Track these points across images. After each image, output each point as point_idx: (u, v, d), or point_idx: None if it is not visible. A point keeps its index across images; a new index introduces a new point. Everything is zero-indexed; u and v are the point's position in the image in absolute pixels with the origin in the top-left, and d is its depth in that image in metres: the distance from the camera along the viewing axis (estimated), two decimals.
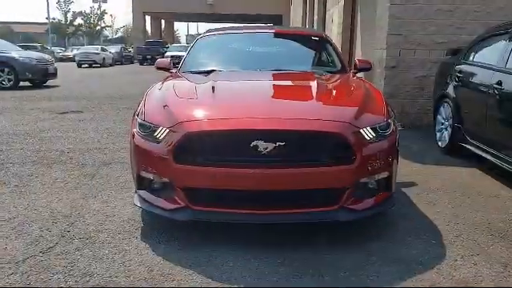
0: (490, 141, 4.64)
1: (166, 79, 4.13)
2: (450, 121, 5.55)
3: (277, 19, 40.86)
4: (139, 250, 3.03)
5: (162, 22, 51.29)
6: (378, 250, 3.03)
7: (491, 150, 4.61)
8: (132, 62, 37.14)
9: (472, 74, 5.13)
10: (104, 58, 30.87)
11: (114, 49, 36.29)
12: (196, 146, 3.00)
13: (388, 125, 3.23)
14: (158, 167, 3.12)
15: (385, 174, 3.18)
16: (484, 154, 4.75)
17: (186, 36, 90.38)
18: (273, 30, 5.50)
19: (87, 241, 3.16)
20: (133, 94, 11.91)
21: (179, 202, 3.07)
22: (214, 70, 4.29)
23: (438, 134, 5.94)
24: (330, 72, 4.39)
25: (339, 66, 4.57)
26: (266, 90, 3.81)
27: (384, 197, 3.23)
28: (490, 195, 4.17)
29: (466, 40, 7.03)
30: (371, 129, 3.11)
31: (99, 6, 63.52)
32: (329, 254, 2.95)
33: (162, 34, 49.98)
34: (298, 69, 4.43)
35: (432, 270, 2.79)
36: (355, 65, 4.65)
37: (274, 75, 4.23)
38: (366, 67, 4.70)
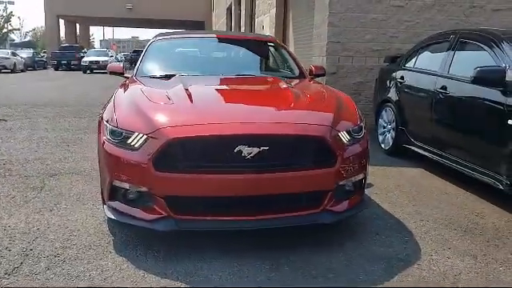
0: (434, 141, 4.95)
1: (126, 84, 3.95)
2: (393, 124, 5.85)
3: (198, 25, 40.69)
4: (117, 265, 2.85)
5: (77, 26, 48.97)
6: (358, 250, 3.10)
7: (436, 150, 4.91)
8: (45, 68, 35.04)
9: (415, 80, 5.45)
10: (15, 63, 28.76)
11: (25, 53, 33.99)
12: (178, 153, 2.89)
13: (361, 128, 3.33)
14: (135, 176, 2.96)
15: (360, 176, 3.28)
16: (429, 154, 5.06)
17: (101, 41, 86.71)
18: (227, 35, 5.47)
19: (56, 258, 2.91)
20: (57, 101, 11.29)
21: (160, 211, 2.94)
22: (173, 75, 4.17)
23: (381, 137, 6.23)
24: (291, 77, 4.44)
25: (297, 71, 4.64)
26: (242, 95, 3.77)
27: (359, 198, 3.33)
28: (441, 192, 4.44)
29: (398, 47, 7.50)
30: (346, 132, 3.19)
31: (5, 8, 59.38)
32: (315, 256, 2.98)
33: (78, 39, 47.67)
34: (257, 74, 4.45)
35: (413, 265, 2.92)
36: (311, 70, 4.74)
37: (242, 80, 4.20)
38: (321, 73, 4.82)
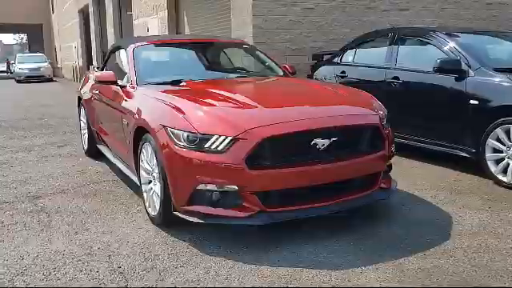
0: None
1: (156, 93, 3.86)
2: None
3: (36, 29, 37.33)
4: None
5: None
6: (403, 218, 3.66)
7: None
8: None
9: (358, 74, 6.17)
10: None
11: None
12: (266, 150, 3.09)
13: (386, 115, 3.87)
14: (225, 177, 3.08)
15: (392, 158, 3.83)
16: None
17: None
18: (207, 39, 5.56)
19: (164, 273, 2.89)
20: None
21: (252, 207, 3.10)
22: (179, 81, 4.21)
23: None
24: (280, 76, 4.80)
25: (280, 70, 4.99)
26: (286, 94, 4.02)
27: (390, 176, 3.87)
28: (422, 168, 5.23)
29: (312, 46, 8.30)
30: (385, 120, 3.71)
31: None
32: (379, 229, 3.44)
33: None
34: (253, 74, 4.72)
35: (453, 223, 3.57)
36: (286, 69, 5.13)
37: (262, 81, 4.49)
38: (294, 72, 5.25)
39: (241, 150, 3.04)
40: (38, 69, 26.96)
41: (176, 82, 4.20)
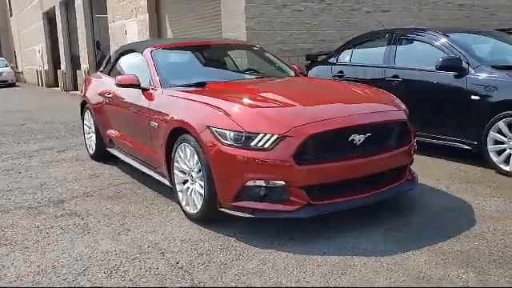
0: None
1: (188, 94, 3.98)
2: None
3: None
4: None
5: None
6: (427, 207, 3.92)
7: None
8: None
9: (357, 73, 6.43)
10: None
11: None
12: (311, 147, 3.28)
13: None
14: (273, 173, 3.25)
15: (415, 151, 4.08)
16: None
17: None
18: (220, 42, 5.68)
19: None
20: None
21: (299, 201, 3.28)
22: (203, 83, 4.33)
23: None
24: (291, 76, 5.00)
25: (291, 71, 5.18)
26: (315, 93, 4.19)
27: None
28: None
29: (302, 47, 8.53)
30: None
31: None
32: (409, 218, 3.70)
33: None
34: (267, 75, 4.89)
35: (471, 209, 3.86)
36: (296, 70, 5.33)
37: (283, 81, 4.72)
38: (303, 72, 5.46)
39: (289, 146, 3.20)
40: (0, 74, 26.10)
41: (200, 84, 4.32)
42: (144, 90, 4.43)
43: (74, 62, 19.58)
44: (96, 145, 5.86)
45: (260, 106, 3.61)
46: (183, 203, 3.85)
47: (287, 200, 3.28)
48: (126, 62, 5.38)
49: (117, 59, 5.68)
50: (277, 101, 3.70)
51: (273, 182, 3.25)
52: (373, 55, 6.38)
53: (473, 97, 5.00)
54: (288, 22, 8.47)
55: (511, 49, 5.89)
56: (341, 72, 6.74)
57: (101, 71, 6.29)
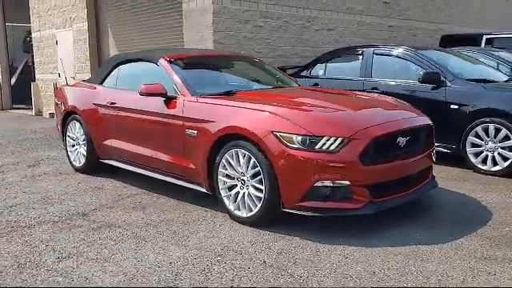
0: None
1: (226, 101, 4.07)
2: None
3: None
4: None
5: None
6: (444, 200, 4.42)
7: None
8: None
9: (336, 85, 6.79)
10: None
11: None
12: (372, 148, 3.59)
13: None
14: (340, 173, 3.50)
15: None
16: None
17: None
18: (225, 54, 5.79)
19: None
20: None
21: (361, 199, 3.55)
22: (232, 91, 4.46)
23: None
24: (294, 87, 5.30)
25: (293, 82, 5.47)
26: (349, 100, 4.48)
27: None
28: None
29: (264, 61, 8.85)
30: None
31: None
32: (431, 215, 4.16)
33: None
34: (278, 85, 5.14)
35: (480, 202, 4.43)
36: (296, 82, 5.62)
37: (303, 90, 5.05)
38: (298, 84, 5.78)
39: (355, 148, 3.48)
40: None
41: (229, 93, 4.42)
42: (171, 98, 4.41)
43: None
44: (86, 157, 5.59)
45: (316, 111, 3.84)
46: (231, 207, 3.92)
47: (351, 198, 3.54)
48: (132, 72, 5.26)
49: (112, 69, 5.51)
50: (323, 106, 3.96)
51: (339, 182, 3.49)
52: (348, 69, 6.90)
53: (452, 106, 5.68)
54: (250, 37, 8.75)
55: (469, 65, 6.75)
56: (316, 84, 7.17)
57: (84, 81, 6.03)
